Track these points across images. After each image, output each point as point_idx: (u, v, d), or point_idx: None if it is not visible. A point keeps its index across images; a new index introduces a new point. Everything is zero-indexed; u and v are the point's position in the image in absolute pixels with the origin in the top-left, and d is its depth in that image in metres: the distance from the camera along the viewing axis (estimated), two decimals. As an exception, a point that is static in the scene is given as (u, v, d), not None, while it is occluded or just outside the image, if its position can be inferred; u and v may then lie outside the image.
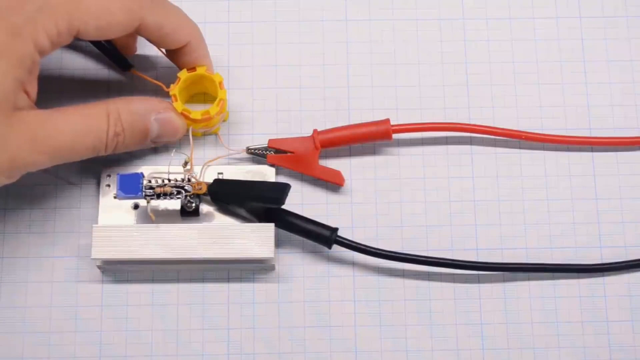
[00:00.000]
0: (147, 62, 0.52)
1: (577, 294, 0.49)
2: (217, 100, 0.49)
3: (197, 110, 0.49)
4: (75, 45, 0.53)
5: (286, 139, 0.50)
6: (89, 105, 0.45)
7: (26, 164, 0.43)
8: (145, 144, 0.48)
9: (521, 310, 0.49)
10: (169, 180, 0.47)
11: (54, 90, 0.51)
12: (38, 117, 0.43)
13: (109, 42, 0.51)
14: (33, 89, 0.44)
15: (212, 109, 0.49)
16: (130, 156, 0.50)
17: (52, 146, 0.43)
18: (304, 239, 0.49)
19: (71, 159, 0.45)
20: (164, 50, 0.50)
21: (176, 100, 0.48)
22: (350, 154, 0.51)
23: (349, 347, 0.48)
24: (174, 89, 0.49)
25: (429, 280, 0.49)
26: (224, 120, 0.51)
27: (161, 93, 0.50)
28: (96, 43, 0.51)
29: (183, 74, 0.49)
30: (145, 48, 0.52)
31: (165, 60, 0.51)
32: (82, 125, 0.44)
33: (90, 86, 0.52)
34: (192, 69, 0.49)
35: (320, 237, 0.48)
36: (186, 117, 0.48)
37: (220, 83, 0.49)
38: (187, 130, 0.49)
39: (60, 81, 0.52)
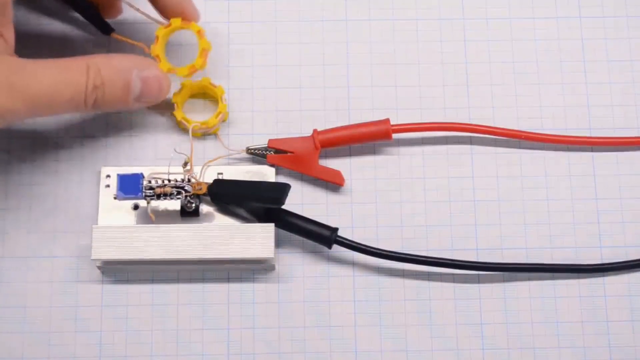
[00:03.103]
0: (129, 31, 0.52)
1: (577, 294, 0.49)
2: (200, 50, 0.49)
3: (183, 67, 0.49)
4: (56, 10, 0.52)
5: (286, 139, 0.50)
6: (69, 58, 0.45)
7: (2, 111, 0.42)
8: (128, 103, 0.47)
9: (521, 310, 0.49)
10: (169, 180, 0.47)
11: (33, 56, 0.50)
12: (16, 63, 0.43)
13: (91, 4, 0.50)
14: (9, 34, 0.43)
15: (197, 61, 0.49)
16: (130, 156, 0.50)
17: (29, 94, 0.42)
18: (304, 239, 0.49)
19: (50, 111, 0.44)
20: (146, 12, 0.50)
21: (159, 60, 0.48)
22: (350, 154, 0.51)
23: (349, 347, 0.48)
24: (155, 49, 0.49)
25: (429, 280, 0.49)
26: (223, 121, 0.51)
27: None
28: (78, 6, 0.51)
29: (160, 31, 0.49)
30: (127, 13, 0.52)
31: (146, 28, 0.51)
32: (60, 76, 0.44)
33: (70, 53, 0.51)
34: (168, 24, 0.49)
35: (320, 237, 0.48)
36: (173, 72, 0.48)
37: (199, 32, 0.49)
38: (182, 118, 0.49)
39: (39, 47, 0.52)
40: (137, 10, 0.50)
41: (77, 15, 0.52)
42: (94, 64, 0.45)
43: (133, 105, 0.47)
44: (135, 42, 0.50)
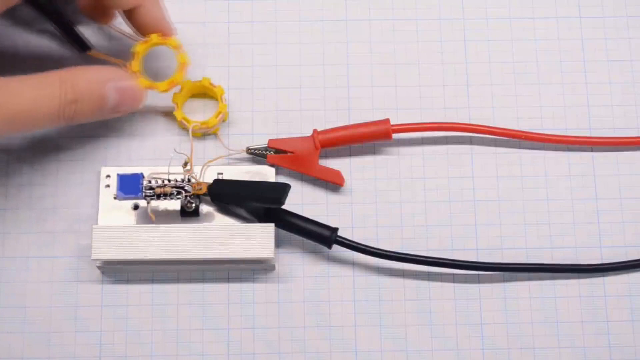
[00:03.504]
0: (107, 48, 0.52)
1: (577, 294, 0.49)
2: (178, 65, 0.49)
3: (163, 82, 0.49)
4: (35, 26, 0.52)
5: (286, 139, 0.50)
6: (43, 73, 0.45)
7: None
8: (105, 114, 0.47)
9: (521, 310, 0.49)
10: (169, 180, 0.47)
11: (9, 72, 0.50)
12: None
13: (70, 21, 0.50)
14: None
15: (176, 76, 0.49)
16: (130, 156, 0.50)
17: (7, 112, 0.43)
18: (304, 239, 0.49)
19: (27, 127, 0.44)
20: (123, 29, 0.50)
21: (138, 76, 0.48)
22: (350, 154, 0.51)
23: (349, 347, 0.48)
24: (134, 66, 0.48)
25: (429, 280, 0.49)
26: (223, 121, 0.51)
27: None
28: (58, 23, 0.50)
29: (138, 47, 0.49)
30: (105, 31, 0.52)
31: (124, 45, 0.51)
32: (36, 93, 0.44)
33: (47, 69, 0.51)
34: (146, 40, 0.49)
35: (320, 237, 0.48)
36: (153, 88, 0.48)
37: (177, 47, 0.49)
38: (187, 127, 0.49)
39: (14, 63, 0.51)
40: (112, 28, 0.51)
41: (56, 32, 0.51)
42: (68, 78, 0.45)
43: (109, 116, 0.48)
44: (114, 59, 0.50)
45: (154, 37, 0.49)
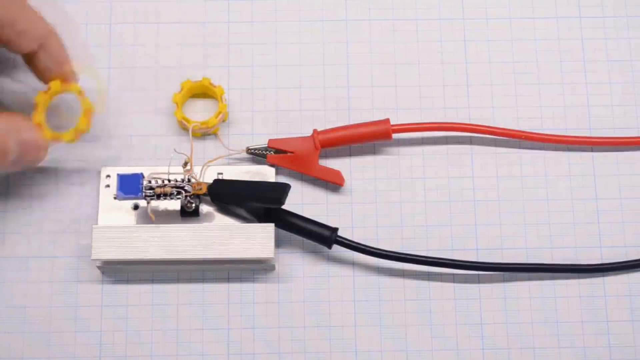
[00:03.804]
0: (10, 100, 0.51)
1: (577, 294, 0.49)
2: (83, 112, 0.46)
3: (68, 131, 0.46)
4: None
5: (286, 139, 0.50)
6: None
7: None
8: (6, 167, 0.45)
9: (521, 310, 0.49)
10: (169, 180, 0.47)
11: None
12: None
13: None
14: None
15: (81, 122, 0.46)
16: (130, 156, 0.50)
17: None
18: (304, 239, 0.49)
19: None
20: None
21: (42, 128, 0.46)
22: (350, 154, 0.51)
23: (349, 347, 0.48)
24: (36, 117, 0.46)
25: (429, 280, 0.49)
26: (223, 121, 0.51)
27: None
28: None
29: (40, 98, 0.46)
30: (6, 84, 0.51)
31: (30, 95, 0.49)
32: None
33: None
34: (47, 90, 0.46)
35: (320, 237, 0.48)
36: (58, 139, 0.47)
37: (80, 93, 0.47)
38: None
39: None
40: (15, 79, 0.49)
41: None
42: None
43: (10, 168, 0.46)
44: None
45: (55, 85, 0.47)
